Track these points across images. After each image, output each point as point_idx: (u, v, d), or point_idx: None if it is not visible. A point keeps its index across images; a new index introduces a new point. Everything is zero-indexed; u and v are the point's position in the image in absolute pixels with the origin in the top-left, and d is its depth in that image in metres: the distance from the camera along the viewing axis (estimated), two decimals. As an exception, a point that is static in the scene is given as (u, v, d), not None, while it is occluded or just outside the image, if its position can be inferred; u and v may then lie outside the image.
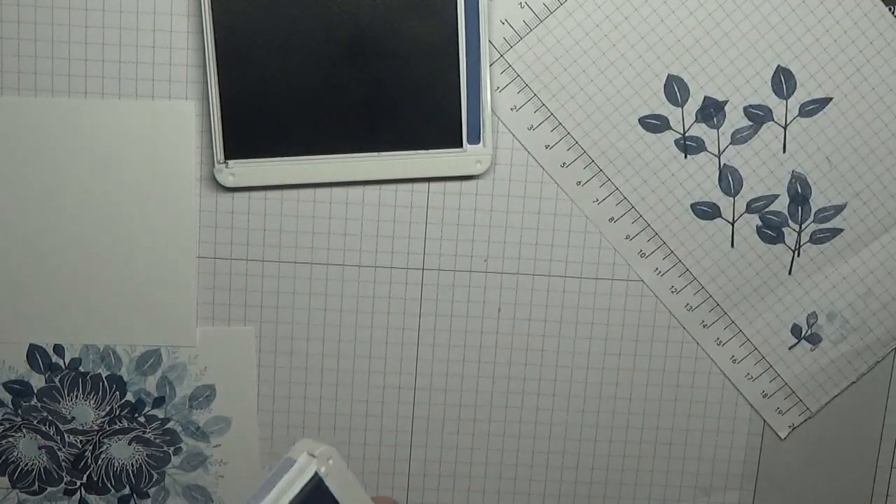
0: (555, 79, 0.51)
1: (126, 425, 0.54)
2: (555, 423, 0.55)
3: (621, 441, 0.56)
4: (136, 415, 0.53)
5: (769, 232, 0.53)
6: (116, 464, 0.54)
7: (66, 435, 0.54)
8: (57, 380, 0.53)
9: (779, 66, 0.51)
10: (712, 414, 0.55)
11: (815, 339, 0.55)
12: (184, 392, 0.53)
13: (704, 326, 0.54)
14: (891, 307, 0.54)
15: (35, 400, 0.53)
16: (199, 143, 0.51)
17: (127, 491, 0.54)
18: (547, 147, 0.52)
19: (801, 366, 0.55)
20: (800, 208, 0.53)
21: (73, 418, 0.53)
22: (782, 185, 0.53)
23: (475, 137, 0.50)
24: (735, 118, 0.52)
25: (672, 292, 0.54)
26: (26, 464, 0.54)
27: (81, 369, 0.53)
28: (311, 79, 0.49)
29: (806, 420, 0.56)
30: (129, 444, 0.54)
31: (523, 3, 0.50)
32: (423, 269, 0.53)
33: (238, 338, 0.53)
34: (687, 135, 0.52)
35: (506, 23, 0.50)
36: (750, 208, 0.53)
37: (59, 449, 0.54)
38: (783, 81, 0.51)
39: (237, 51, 0.49)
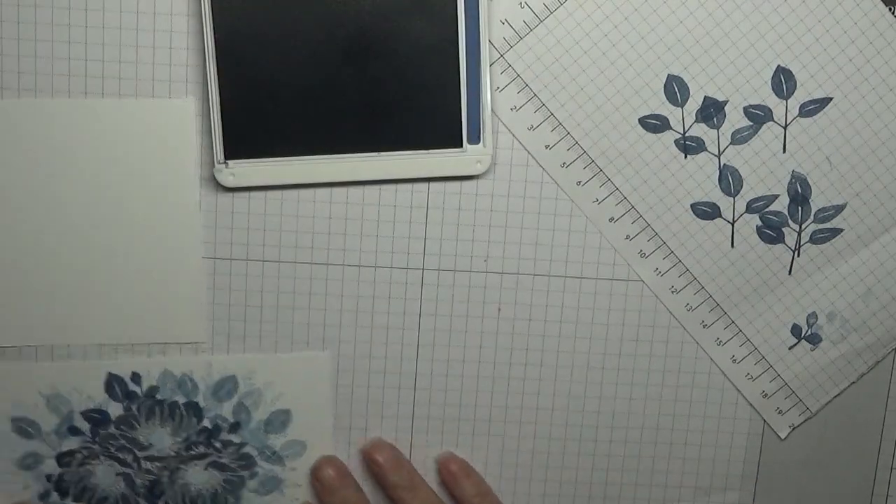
0: (555, 79, 0.51)
1: (202, 451, 0.54)
2: (555, 424, 0.55)
3: (621, 441, 0.56)
4: (213, 440, 0.54)
5: (769, 232, 0.53)
6: (193, 489, 0.54)
7: (142, 461, 0.54)
8: (134, 408, 0.53)
9: (779, 66, 0.51)
10: (712, 414, 0.55)
11: (815, 339, 0.55)
12: (260, 417, 0.54)
13: (704, 326, 0.54)
14: (891, 307, 0.54)
15: (113, 428, 0.53)
16: (199, 144, 0.51)
17: None
18: (547, 147, 0.52)
19: (801, 366, 0.55)
20: (800, 208, 0.53)
21: (150, 445, 0.54)
22: (782, 185, 0.53)
23: (475, 137, 0.50)
24: (735, 118, 0.52)
25: (672, 292, 0.54)
26: (104, 490, 0.54)
27: (159, 397, 0.53)
28: (311, 79, 0.49)
29: (806, 420, 0.56)
30: (206, 469, 0.54)
31: (523, 3, 0.50)
32: (423, 269, 0.53)
33: (315, 362, 0.53)
34: (687, 135, 0.52)
35: (506, 23, 0.50)
36: (750, 208, 0.53)
37: (136, 475, 0.54)
38: (783, 81, 0.51)
39: (237, 51, 0.49)
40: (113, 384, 0.53)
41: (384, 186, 0.52)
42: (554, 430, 0.55)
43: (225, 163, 0.50)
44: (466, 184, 0.52)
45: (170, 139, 0.51)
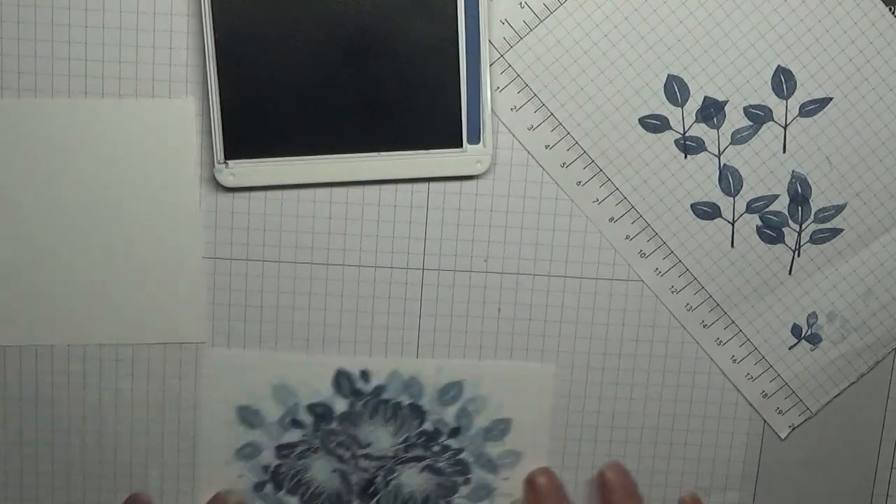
0: (555, 79, 0.51)
1: (420, 453, 0.54)
2: (555, 424, 0.55)
3: (621, 441, 0.56)
4: (432, 444, 0.54)
5: (769, 232, 0.53)
6: (405, 491, 0.55)
7: (360, 460, 0.54)
8: (359, 405, 0.54)
9: (779, 66, 0.51)
10: (712, 414, 0.55)
11: (815, 339, 0.55)
12: (480, 424, 0.54)
13: (704, 326, 0.54)
14: (891, 307, 0.54)
15: (335, 423, 0.54)
16: (199, 144, 0.51)
17: None
18: (547, 147, 0.52)
19: (801, 366, 0.55)
20: (800, 208, 0.53)
21: (370, 444, 0.54)
22: (782, 185, 0.53)
23: (475, 137, 0.50)
24: (735, 118, 0.52)
25: (672, 292, 0.54)
26: (319, 485, 0.54)
27: (384, 396, 0.53)
28: (311, 79, 0.49)
29: (806, 420, 0.56)
30: (421, 472, 0.54)
31: (523, 3, 0.50)
32: (423, 269, 0.53)
33: (536, 374, 0.54)
34: (687, 135, 0.52)
35: (506, 23, 0.51)
36: (750, 208, 0.53)
37: (352, 473, 0.54)
38: (783, 81, 0.51)
39: (237, 51, 0.49)
40: (341, 380, 0.53)
41: (384, 186, 0.52)
42: (554, 431, 0.55)
43: (225, 163, 0.50)
44: (466, 184, 0.52)
45: (170, 139, 0.51)
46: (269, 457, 0.54)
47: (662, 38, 0.51)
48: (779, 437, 0.56)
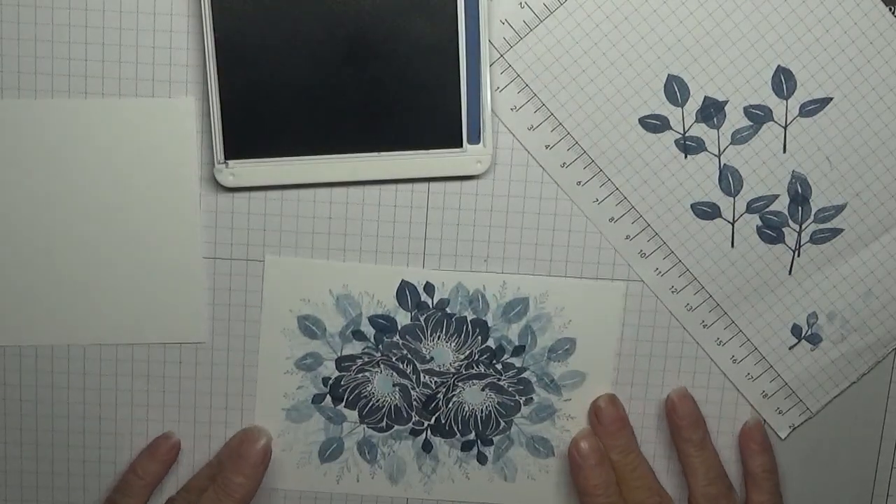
0: (555, 79, 0.51)
1: (482, 371, 0.54)
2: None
3: (621, 441, 0.56)
4: (494, 361, 0.53)
5: (769, 232, 0.53)
6: (467, 408, 0.54)
7: (422, 375, 0.54)
8: (422, 318, 0.53)
9: (779, 66, 0.51)
10: (712, 414, 0.55)
11: (815, 339, 0.55)
12: (544, 343, 0.53)
13: (704, 326, 0.54)
14: (891, 307, 0.54)
15: (398, 337, 0.53)
16: (199, 144, 0.51)
17: (472, 437, 0.55)
18: (547, 147, 0.52)
19: (801, 366, 0.55)
20: (800, 208, 0.53)
21: (432, 359, 0.53)
22: (782, 185, 0.53)
23: (475, 137, 0.50)
24: (735, 118, 0.52)
25: (672, 292, 0.54)
26: (378, 400, 0.54)
27: (448, 310, 0.53)
28: (311, 79, 0.49)
29: (806, 420, 0.56)
30: (483, 390, 0.54)
31: (523, 3, 0.50)
32: (423, 270, 0.53)
33: (607, 292, 0.53)
34: (687, 135, 0.52)
35: (506, 23, 0.50)
36: (750, 208, 0.53)
37: (413, 388, 0.54)
38: (783, 81, 0.51)
39: (237, 51, 0.49)
40: (405, 291, 0.53)
41: (384, 186, 0.52)
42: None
43: (225, 163, 0.50)
44: (466, 184, 0.52)
45: (170, 139, 0.51)
46: (329, 368, 0.54)
47: (662, 38, 0.51)
48: (779, 437, 0.56)
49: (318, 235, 0.53)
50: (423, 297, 0.53)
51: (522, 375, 0.54)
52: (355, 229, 0.53)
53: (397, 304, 0.53)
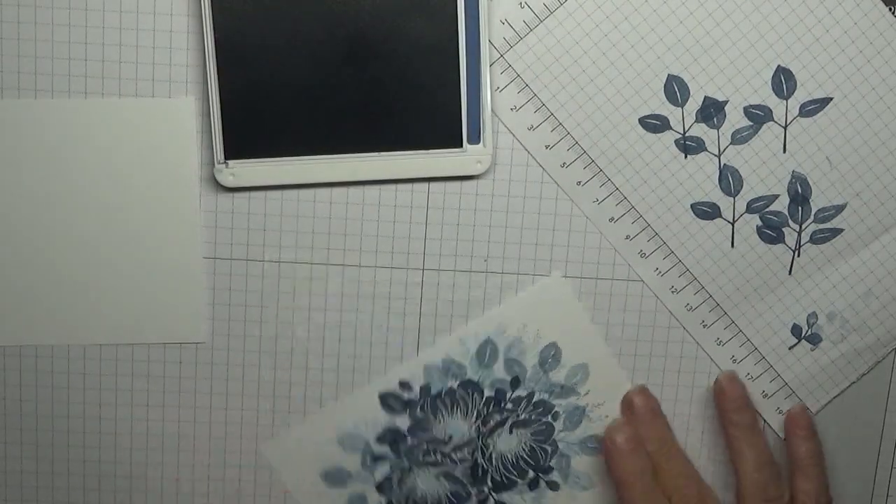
0: (555, 79, 0.51)
1: (499, 418, 0.54)
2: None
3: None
4: (503, 404, 0.54)
5: (769, 232, 0.53)
6: (510, 456, 0.55)
7: (452, 454, 0.54)
8: (418, 411, 0.54)
9: (779, 66, 0.51)
10: (713, 414, 0.55)
11: (815, 339, 0.55)
12: (532, 362, 0.54)
13: (704, 326, 0.54)
14: (891, 307, 0.54)
15: (410, 439, 0.54)
16: (199, 144, 0.51)
17: (532, 474, 0.55)
18: (547, 147, 0.52)
19: (801, 366, 0.55)
20: (800, 208, 0.53)
21: (451, 437, 0.54)
22: (782, 185, 0.53)
23: (475, 137, 0.50)
24: (735, 118, 0.52)
25: (672, 292, 0.54)
26: (433, 495, 0.55)
27: (433, 392, 0.54)
28: (311, 79, 0.49)
29: (806, 420, 0.56)
30: (511, 432, 0.54)
31: (523, 3, 0.50)
32: (423, 269, 0.53)
33: (552, 288, 0.53)
34: (687, 135, 0.52)
35: (506, 23, 0.50)
36: (750, 208, 0.53)
37: (454, 469, 0.54)
38: (783, 81, 0.51)
39: (237, 51, 0.49)
40: (388, 401, 0.54)
41: (384, 186, 0.52)
42: None
43: (225, 163, 0.50)
44: (466, 184, 0.52)
45: (170, 139, 0.51)
46: (375, 499, 0.55)
47: (662, 38, 0.51)
48: (779, 436, 0.56)
49: (318, 235, 0.53)
50: (406, 395, 0.54)
51: (535, 400, 0.54)
52: (355, 229, 0.53)
53: (390, 415, 0.54)
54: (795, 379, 0.55)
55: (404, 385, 0.54)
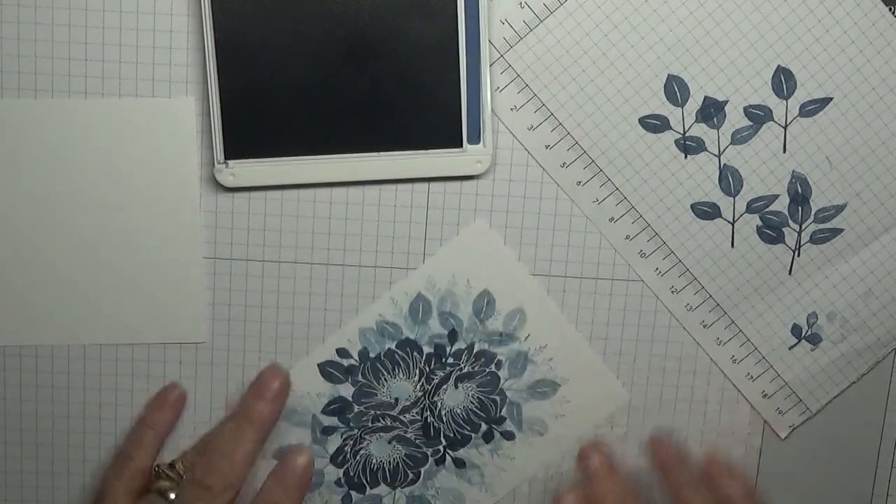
0: (555, 79, 0.51)
1: (443, 373, 0.53)
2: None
3: (622, 442, 0.56)
4: (443, 359, 0.53)
5: (769, 232, 0.53)
6: (459, 411, 0.54)
7: (402, 416, 0.54)
8: (360, 378, 0.53)
9: (779, 66, 0.51)
10: (712, 414, 0.55)
11: (815, 339, 0.55)
12: (466, 312, 0.53)
13: (704, 326, 0.54)
14: (891, 307, 0.54)
15: (356, 407, 0.54)
16: (199, 144, 0.51)
17: (485, 427, 0.54)
18: (547, 147, 0.52)
19: (801, 366, 0.55)
20: (800, 208, 0.53)
21: (397, 399, 0.54)
22: (782, 185, 0.53)
23: (475, 137, 0.50)
24: (735, 118, 0.52)
25: (672, 292, 0.54)
26: (388, 460, 0.55)
27: (372, 354, 0.53)
28: (311, 79, 0.49)
29: (806, 420, 0.56)
30: (456, 387, 0.54)
31: (523, 3, 0.50)
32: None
33: (477, 233, 0.52)
34: (687, 135, 0.52)
35: (506, 23, 0.50)
36: (750, 208, 0.53)
37: (405, 430, 0.54)
38: (783, 81, 0.51)
39: (237, 51, 0.49)
40: (328, 370, 0.53)
41: (384, 186, 0.52)
42: None
43: (225, 163, 0.50)
44: (466, 184, 0.52)
45: (170, 139, 0.51)
46: (332, 471, 0.55)
47: (662, 38, 0.51)
48: (779, 437, 0.56)
49: (318, 235, 0.53)
50: (346, 362, 0.53)
51: (475, 351, 0.53)
52: (355, 229, 0.53)
53: (332, 384, 0.54)
54: (795, 379, 0.55)
55: (342, 352, 0.53)
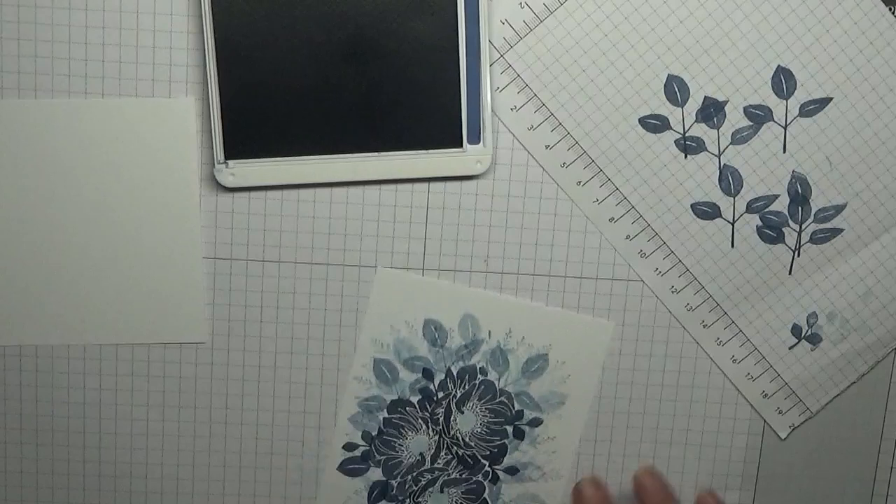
0: (555, 79, 0.51)
1: (444, 407, 0.54)
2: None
3: (621, 441, 0.56)
4: (433, 397, 0.54)
5: (769, 232, 0.53)
6: (478, 429, 0.54)
7: (436, 463, 0.55)
8: (377, 455, 0.55)
9: (779, 66, 0.51)
10: (712, 414, 0.55)
11: (815, 339, 0.55)
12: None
13: (704, 326, 0.54)
14: (891, 307, 0.54)
15: (394, 482, 0.55)
16: (199, 144, 0.51)
17: (511, 428, 0.54)
18: (547, 147, 0.52)
19: (801, 366, 0.55)
20: (800, 208, 0.53)
21: (421, 454, 0.55)
22: (782, 185, 0.53)
23: (475, 137, 0.50)
24: (735, 118, 0.52)
25: (672, 292, 0.54)
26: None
27: (374, 433, 0.54)
28: (311, 79, 0.49)
29: (806, 420, 0.56)
30: (462, 411, 0.54)
31: (523, 3, 0.50)
32: (423, 269, 0.53)
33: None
34: (687, 135, 0.52)
35: (506, 23, 0.50)
36: (750, 208, 0.53)
37: (449, 473, 0.55)
38: (783, 81, 0.51)
39: (237, 51, 0.49)
40: (349, 467, 0.55)
41: (384, 186, 0.52)
42: None
43: (225, 163, 0.50)
44: (466, 184, 0.52)
45: (170, 139, 0.51)
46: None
47: (662, 38, 0.51)
48: (779, 437, 0.56)
49: (318, 235, 0.53)
50: (359, 451, 0.54)
51: (456, 373, 0.54)
52: (355, 229, 0.53)
53: (359, 477, 0.55)
54: (795, 379, 0.55)
55: (349, 446, 0.54)
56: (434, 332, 0.53)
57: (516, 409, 0.54)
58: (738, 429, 0.56)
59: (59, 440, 0.55)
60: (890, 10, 0.51)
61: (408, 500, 0.55)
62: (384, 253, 0.53)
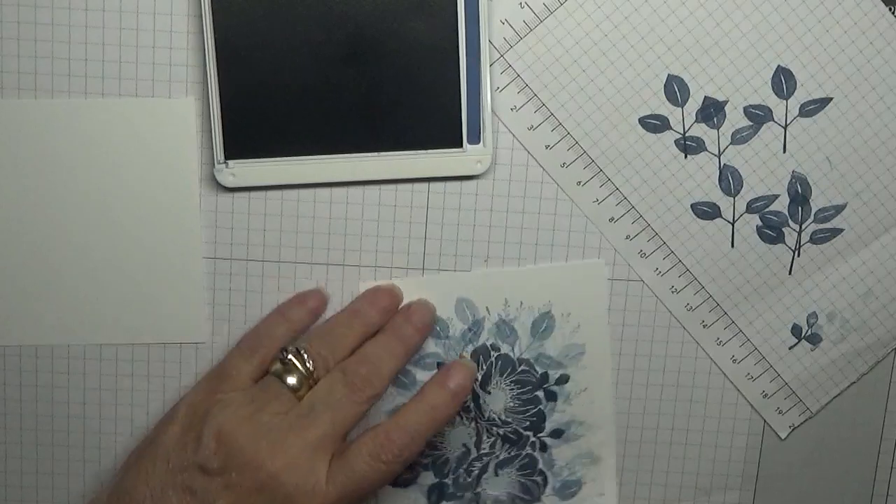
0: (555, 79, 0.51)
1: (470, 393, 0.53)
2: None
3: (621, 441, 0.56)
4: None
5: (769, 232, 0.53)
6: (512, 403, 0.54)
7: (482, 449, 0.54)
8: (423, 457, 0.54)
9: (779, 66, 0.51)
10: (712, 414, 0.55)
11: (815, 339, 0.55)
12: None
13: (704, 326, 0.54)
14: (891, 307, 0.54)
15: (448, 479, 0.55)
16: (199, 144, 0.51)
17: (541, 392, 0.54)
18: (547, 147, 0.52)
19: (801, 366, 0.55)
20: (800, 208, 0.53)
21: (464, 445, 0.54)
22: (782, 185, 0.53)
23: (475, 137, 0.50)
24: (735, 118, 0.52)
25: (672, 292, 0.54)
26: (515, 482, 0.55)
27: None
28: (311, 79, 0.49)
29: (806, 420, 0.56)
30: (489, 392, 0.54)
31: (523, 3, 0.50)
32: (423, 269, 0.53)
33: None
34: (687, 135, 0.52)
35: (506, 23, 0.50)
36: (750, 208, 0.53)
37: (497, 455, 0.54)
38: (783, 81, 0.51)
39: (237, 51, 0.49)
40: (398, 479, 0.54)
41: (384, 186, 0.52)
42: None
43: (225, 163, 0.50)
44: (466, 184, 0.52)
45: (170, 139, 0.51)
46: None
47: (662, 38, 0.51)
48: (779, 437, 0.56)
49: (318, 235, 0.53)
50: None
51: (479, 346, 0.53)
52: (355, 229, 0.53)
53: (411, 486, 0.55)
54: (795, 379, 0.55)
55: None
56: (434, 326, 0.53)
57: (540, 372, 0.54)
58: (737, 429, 0.56)
59: (59, 440, 0.55)
60: (890, 10, 0.51)
61: (468, 494, 0.55)
62: (384, 253, 0.53)
